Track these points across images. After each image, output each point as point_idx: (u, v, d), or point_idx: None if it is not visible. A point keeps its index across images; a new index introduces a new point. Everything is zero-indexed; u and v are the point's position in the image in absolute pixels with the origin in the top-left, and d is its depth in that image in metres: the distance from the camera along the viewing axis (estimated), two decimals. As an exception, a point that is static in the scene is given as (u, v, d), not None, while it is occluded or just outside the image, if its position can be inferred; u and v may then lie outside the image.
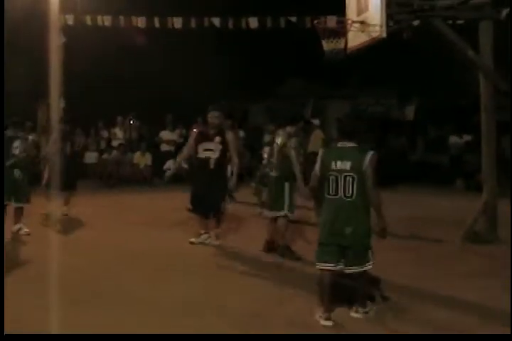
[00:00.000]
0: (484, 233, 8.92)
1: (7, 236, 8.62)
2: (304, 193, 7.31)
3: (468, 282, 6.69)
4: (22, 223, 9.13)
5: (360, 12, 8.13)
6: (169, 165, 15.15)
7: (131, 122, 18.03)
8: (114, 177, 16.53)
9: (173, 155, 15.59)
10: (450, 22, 8.64)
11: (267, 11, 15.61)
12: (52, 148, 10.68)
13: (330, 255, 5.37)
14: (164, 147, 17.24)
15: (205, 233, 8.60)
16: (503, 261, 7.29)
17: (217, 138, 8.45)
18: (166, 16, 15.28)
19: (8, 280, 6.35)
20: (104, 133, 18.11)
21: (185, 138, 15.11)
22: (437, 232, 9.61)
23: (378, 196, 5.38)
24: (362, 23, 7.90)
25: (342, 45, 8.29)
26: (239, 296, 6.17)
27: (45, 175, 10.51)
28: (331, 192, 5.37)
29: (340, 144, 5.50)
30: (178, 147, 15.82)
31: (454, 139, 17.73)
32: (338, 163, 5.34)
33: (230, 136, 8.59)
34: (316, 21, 8.69)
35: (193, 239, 8.60)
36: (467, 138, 17.09)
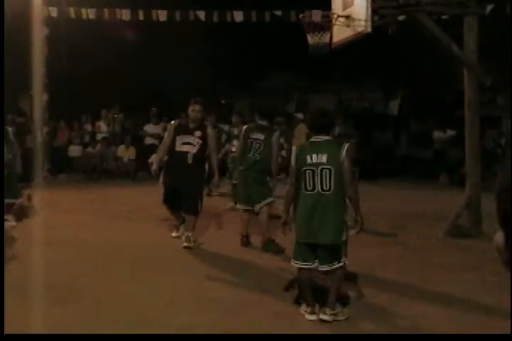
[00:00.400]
0: (467, 227, 8.97)
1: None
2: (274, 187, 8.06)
3: (452, 276, 6.73)
4: (10, 215, 9.09)
5: (345, 6, 8.12)
6: (154, 158, 15.10)
7: (115, 115, 17.94)
8: (98, 171, 16.47)
9: (157, 148, 15.54)
10: (435, 17, 8.67)
11: (252, 4, 15.58)
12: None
13: (307, 253, 5.30)
14: (148, 140, 17.16)
15: (182, 224, 8.35)
16: (486, 256, 7.33)
17: (198, 133, 8.04)
18: (151, 9, 15.22)
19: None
20: (88, 127, 18.01)
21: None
22: (421, 227, 9.66)
23: (356, 189, 5.35)
24: (347, 17, 7.89)
25: (327, 40, 8.28)
26: (224, 289, 6.17)
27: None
28: (307, 187, 5.23)
29: (314, 138, 5.38)
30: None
31: (438, 134, 17.81)
32: (314, 156, 5.22)
33: (210, 131, 8.21)
34: (301, 15, 8.68)
35: (173, 234, 8.47)
36: (451, 132, 17.17)
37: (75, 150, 17.15)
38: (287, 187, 5.44)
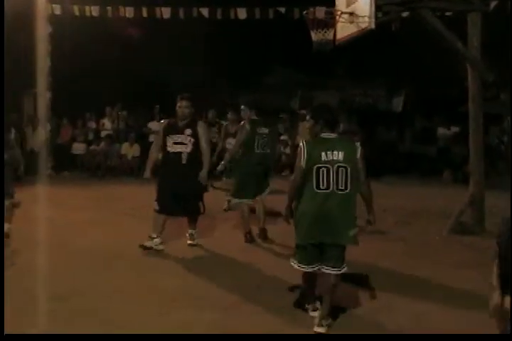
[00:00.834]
0: (471, 224, 8.97)
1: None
2: None
3: (454, 273, 6.73)
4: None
5: (349, 3, 8.12)
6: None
7: (119, 113, 17.95)
8: (102, 168, 16.49)
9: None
10: (439, 14, 8.65)
11: (255, 1, 15.56)
12: None
13: (312, 256, 5.09)
14: (153, 138, 17.15)
15: (158, 237, 7.72)
16: (489, 253, 7.32)
17: (188, 131, 7.65)
18: (154, 6, 15.21)
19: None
20: (92, 124, 18.02)
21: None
22: (424, 223, 9.66)
23: (370, 188, 5.24)
24: (351, 14, 7.88)
25: (330, 36, 8.28)
26: (224, 287, 6.18)
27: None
28: (321, 185, 4.97)
29: (324, 135, 5.14)
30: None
31: (442, 131, 17.77)
32: (329, 153, 4.97)
33: (201, 127, 7.79)
34: (305, 12, 8.67)
35: (145, 243, 7.68)
36: (455, 129, 17.14)
37: (78, 148, 17.17)
38: (292, 184, 5.15)
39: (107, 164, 16.66)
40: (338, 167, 4.97)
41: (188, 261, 7.35)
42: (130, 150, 16.74)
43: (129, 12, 15.17)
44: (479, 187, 9.03)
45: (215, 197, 10.38)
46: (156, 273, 6.72)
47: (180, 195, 7.66)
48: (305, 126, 14.62)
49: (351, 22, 7.87)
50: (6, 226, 8.19)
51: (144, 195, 12.51)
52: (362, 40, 8.18)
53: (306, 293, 5.41)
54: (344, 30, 8.23)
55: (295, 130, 15.43)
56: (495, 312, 2.79)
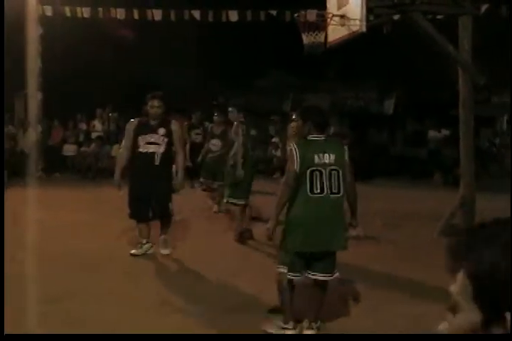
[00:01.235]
0: (461, 227, 8.98)
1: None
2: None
3: (446, 276, 6.73)
4: None
5: (340, 6, 8.12)
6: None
7: (110, 114, 17.92)
8: (93, 170, 16.44)
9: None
10: (430, 17, 8.67)
11: (247, 4, 15.57)
12: None
13: (303, 264, 4.86)
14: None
15: (147, 242, 7.52)
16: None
17: (162, 130, 7.32)
18: (146, 8, 15.19)
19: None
20: (83, 126, 17.98)
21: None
22: (415, 226, 9.68)
23: (355, 191, 5.10)
24: (342, 16, 7.89)
25: (322, 39, 8.28)
26: (219, 290, 6.17)
27: None
28: (315, 189, 4.75)
29: (313, 137, 4.92)
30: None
31: (432, 133, 17.83)
32: (321, 156, 4.78)
33: (175, 126, 7.50)
34: (296, 14, 8.67)
35: (133, 251, 7.50)
36: (446, 132, 17.19)
37: (69, 149, 17.12)
38: (283, 189, 4.84)
39: (97, 166, 16.61)
40: (331, 170, 4.80)
41: (179, 262, 7.33)
42: (121, 152, 16.69)
43: (120, 14, 15.13)
44: (470, 189, 9.05)
45: (198, 199, 10.42)
46: (147, 276, 6.71)
47: (151, 198, 7.35)
48: (292, 127, 14.75)
49: (342, 25, 7.88)
50: None
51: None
52: (353, 42, 8.19)
53: (286, 305, 4.98)
54: (335, 32, 8.24)
55: (285, 132, 15.44)
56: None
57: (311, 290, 5.05)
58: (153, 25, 16.51)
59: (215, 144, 10.55)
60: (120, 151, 7.79)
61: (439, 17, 9.23)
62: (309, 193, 4.77)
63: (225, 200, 8.87)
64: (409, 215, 10.61)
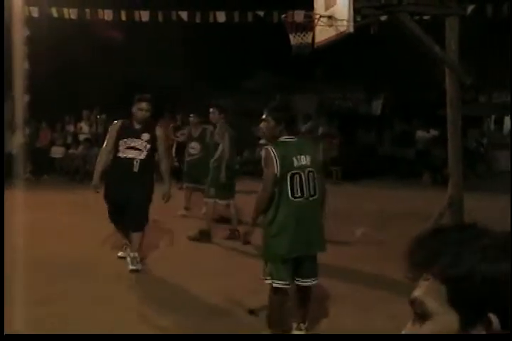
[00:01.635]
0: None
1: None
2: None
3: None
4: None
5: (327, 6, 8.12)
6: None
7: (98, 116, 17.86)
8: (81, 172, 16.38)
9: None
10: (417, 18, 8.70)
11: (234, 4, 15.57)
12: None
13: (288, 271, 4.69)
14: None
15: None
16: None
17: (145, 136, 6.86)
18: (133, 9, 15.16)
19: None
20: (71, 128, 17.92)
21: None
22: (403, 226, 9.68)
23: (325, 190, 4.97)
24: (329, 17, 7.89)
25: (309, 40, 8.27)
26: (212, 292, 6.15)
27: None
28: (295, 193, 4.61)
29: (287, 138, 4.77)
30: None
31: (420, 133, 17.90)
32: (299, 158, 4.64)
33: (159, 132, 7.05)
34: (283, 15, 8.67)
35: (120, 253, 7.35)
36: (434, 132, 17.26)
37: (57, 152, 17.06)
38: (262, 194, 4.67)
39: (85, 168, 16.54)
40: (309, 172, 4.69)
41: (167, 264, 7.30)
42: (109, 154, 16.63)
43: (107, 15, 15.09)
44: (458, 189, 9.07)
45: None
46: (134, 280, 6.67)
47: (127, 206, 6.86)
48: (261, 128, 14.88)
49: (330, 25, 7.87)
50: None
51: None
52: (341, 43, 8.19)
53: (275, 316, 4.81)
54: (323, 33, 8.24)
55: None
56: None
57: (297, 295, 4.95)
58: (141, 27, 16.47)
59: (193, 147, 10.32)
60: (100, 154, 7.23)
61: (425, 18, 9.26)
62: (291, 197, 4.63)
63: (210, 200, 8.84)
64: (397, 215, 10.64)
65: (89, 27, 17.06)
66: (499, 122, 20.48)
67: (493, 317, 1.04)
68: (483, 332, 1.05)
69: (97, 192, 7.06)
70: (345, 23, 7.59)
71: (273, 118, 4.83)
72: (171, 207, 10.01)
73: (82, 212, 10.82)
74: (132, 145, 6.83)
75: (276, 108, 4.99)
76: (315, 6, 8.65)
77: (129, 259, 6.97)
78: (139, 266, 6.91)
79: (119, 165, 6.90)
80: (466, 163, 9.47)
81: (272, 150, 4.64)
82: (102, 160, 7.08)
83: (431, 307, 1.11)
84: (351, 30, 7.54)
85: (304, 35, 8.17)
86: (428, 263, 1.13)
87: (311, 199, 4.69)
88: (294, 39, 8.25)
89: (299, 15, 8.29)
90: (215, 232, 8.84)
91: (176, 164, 13.16)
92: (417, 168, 16.53)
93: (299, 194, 4.64)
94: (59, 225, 9.51)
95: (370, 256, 7.75)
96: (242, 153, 16.39)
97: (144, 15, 15.04)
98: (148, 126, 6.99)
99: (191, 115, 10.58)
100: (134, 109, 6.89)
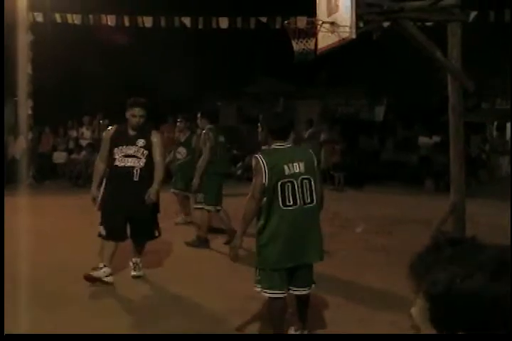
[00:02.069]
0: (452, 233, 8.99)
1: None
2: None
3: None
4: None
5: (330, 13, 8.13)
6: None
7: (100, 121, 17.89)
8: (83, 178, 16.38)
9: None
10: (419, 24, 8.71)
11: (237, 11, 15.63)
12: None
13: (283, 280, 4.59)
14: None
15: (105, 266, 6.51)
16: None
17: (141, 142, 6.48)
18: (136, 15, 15.22)
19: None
20: (73, 133, 17.95)
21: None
22: (406, 232, 9.68)
23: (323, 197, 4.87)
24: (332, 23, 7.90)
25: (312, 46, 8.29)
26: (211, 295, 6.15)
27: None
28: (287, 202, 4.50)
29: (278, 145, 4.69)
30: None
31: (423, 139, 17.89)
32: (291, 166, 4.53)
33: (155, 138, 6.63)
34: (286, 21, 8.69)
35: (91, 273, 6.45)
36: (436, 138, 17.25)
37: (59, 157, 17.08)
38: (250, 204, 4.54)
39: (88, 173, 16.53)
40: (303, 179, 4.57)
41: (165, 270, 7.30)
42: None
43: (111, 20, 15.16)
44: (460, 195, 9.06)
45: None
46: (134, 285, 6.67)
47: (131, 218, 6.53)
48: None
49: (332, 32, 7.89)
50: None
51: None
52: (344, 49, 8.21)
53: (276, 325, 4.72)
54: (325, 39, 8.25)
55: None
56: None
57: (295, 303, 4.94)
58: (145, 32, 16.53)
59: (179, 152, 10.24)
60: (96, 163, 6.86)
61: (428, 24, 9.28)
62: (282, 206, 4.52)
63: (198, 206, 8.81)
64: (400, 221, 10.62)
65: (92, 32, 17.11)
66: (501, 129, 20.45)
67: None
68: None
69: (95, 203, 6.66)
70: (347, 29, 7.61)
71: (263, 127, 4.81)
72: (170, 212, 10.05)
73: (84, 217, 10.81)
74: (129, 152, 6.46)
75: (267, 116, 4.95)
76: (317, 12, 8.67)
77: (131, 264, 6.89)
78: (141, 273, 6.85)
79: (117, 175, 6.50)
80: (468, 169, 9.44)
81: (261, 159, 4.54)
82: (98, 169, 6.71)
83: (418, 323, 1.13)
84: (354, 36, 7.55)
85: (307, 42, 8.18)
86: (420, 280, 1.14)
87: (306, 207, 4.59)
88: (297, 45, 8.26)
89: (302, 22, 8.29)
90: (213, 238, 8.85)
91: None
92: (419, 174, 16.50)
93: (291, 202, 4.54)
94: (61, 230, 9.51)
95: (373, 262, 7.74)
96: (244, 159, 16.38)
97: (147, 21, 15.11)
98: (144, 132, 6.60)
99: (178, 119, 10.48)
100: (128, 115, 6.53)
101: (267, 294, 4.62)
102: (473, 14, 13.54)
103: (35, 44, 15.86)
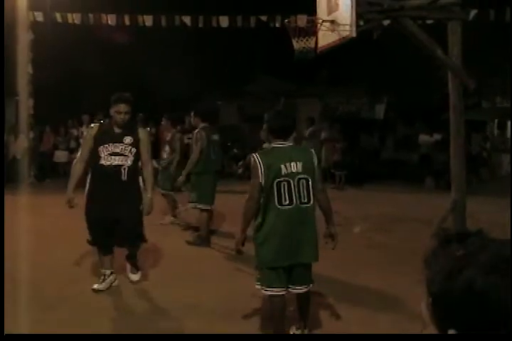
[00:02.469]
0: (453, 231, 8.98)
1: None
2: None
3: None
4: None
5: (330, 11, 8.13)
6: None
7: (101, 121, 17.88)
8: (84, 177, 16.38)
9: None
10: (420, 22, 8.71)
11: (237, 9, 15.63)
12: None
13: (281, 278, 4.64)
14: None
15: (112, 273, 6.42)
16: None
17: (128, 139, 6.11)
18: (137, 14, 15.22)
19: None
20: (74, 132, 17.95)
21: (156, 136, 15.05)
22: (406, 230, 9.69)
23: (328, 197, 4.86)
24: (332, 22, 7.90)
25: (312, 45, 8.29)
26: (211, 296, 6.15)
27: None
28: (283, 201, 4.52)
29: (277, 144, 4.72)
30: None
31: (423, 138, 17.89)
32: (288, 165, 4.53)
33: (143, 134, 6.29)
34: (286, 20, 8.69)
35: (96, 286, 6.26)
36: (437, 136, 17.25)
37: (60, 156, 17.08)
38: (248, 204, 4.60)
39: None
40: (299, 179, 4.57)
41: (166, 271, 7.30)
42: (112, 158, 16.64)
43: (111, 19, 15.16)
44: (461, 193, 9.06)
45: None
46: (134, 285, 6.68)
47: (118, 221, 6.12)
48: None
49: (332, 30, 7.89)
50: None
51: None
52: (344, 48, 8.21)
53: (276, 323, 4.78)
54: (326, 38, 8.25)
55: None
56: None
57: (295, 302, 4.98)
58: (144, 31, 16.53)
59: (166, 150, 10.15)
60: (74, 162, 6.37)
61: (428, 22, 9.28)
62: (278, 205, 4.55)
63: (191, 206, 8.81)
64: (400, 219, 10.64)
65: (93, 31, 17.12)
66: (502, 127, 20.46)
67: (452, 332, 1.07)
68: None
69: (72, 207, 6.32)
70: (347, 27, 7.61)
71: (265, 126, 4.88)
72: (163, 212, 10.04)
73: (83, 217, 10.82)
74: (116, 150, 6.07)
75: (268, 115, 4.94)
76: (318, 10, 8.68)
77: (128, 267, 6.70)
78: (138, 276, 6.66)
79: (104, 174, 6.10)
80: (469, 167, 9.45)
81: (257, 158, 4.58)
82: (76, 169, 6.26)
83: (425, 318, 1.14)
84: (354, 34, 7.55)
85: (307, 40, 8.18)
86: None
87: (303, 206, 4.60)
88: (297, 44, 8.26)
89: (302, 20, 8.29)
90: (214, 238, 8.86)
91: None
92: (420, 172, 16.51)
93: (287, 202, 4.55)
94: (61, 229, 9.50)
95: (373, 260, 7.75)
96: (245, 158, 16.39)
97: (148, 20, 15.11)
98: (130, 129, 6.24)
99: (163, 117, 10.43)
100: (113, 112, 6.22)
101: (267, 292, 4.69)
102: (473, 12, 13.54)
103: (35, 43, 15.87)
